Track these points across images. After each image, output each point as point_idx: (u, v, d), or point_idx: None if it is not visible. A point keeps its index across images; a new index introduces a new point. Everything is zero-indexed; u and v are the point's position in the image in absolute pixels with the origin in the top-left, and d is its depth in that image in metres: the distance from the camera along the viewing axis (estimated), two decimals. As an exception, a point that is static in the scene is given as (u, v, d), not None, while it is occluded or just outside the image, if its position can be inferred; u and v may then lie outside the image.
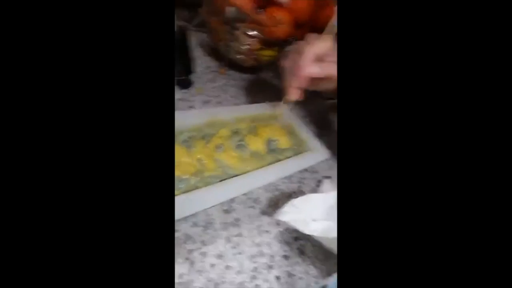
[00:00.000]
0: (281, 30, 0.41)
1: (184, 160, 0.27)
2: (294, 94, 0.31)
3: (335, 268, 0.29)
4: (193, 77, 0.43)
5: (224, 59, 0.49)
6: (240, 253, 0.26)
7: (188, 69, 0.41)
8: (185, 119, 0.30)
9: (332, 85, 0.33)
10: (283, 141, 0.35)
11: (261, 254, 0.27)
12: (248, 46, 0.44)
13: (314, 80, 0.30)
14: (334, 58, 0.30)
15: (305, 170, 0.39)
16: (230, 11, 0.40)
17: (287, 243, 0.29)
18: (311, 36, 0.31)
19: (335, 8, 0.41)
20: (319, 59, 0.30)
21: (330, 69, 0.29)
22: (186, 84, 0.42)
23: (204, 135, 0.31)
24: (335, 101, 0.62)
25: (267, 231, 0.29)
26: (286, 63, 0.32)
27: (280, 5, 0.41)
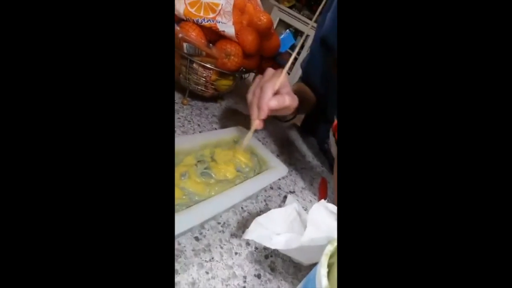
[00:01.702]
0: (233, 61, 0.45)
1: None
2: (258, 124, 0.37)
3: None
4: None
5: (185, 90, 0.51)
6: (213, 278, 0.27)
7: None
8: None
9: (288, 112, 0.41)
10: (245, 163, 0.37)
11: (234, 276, 0.28)
12: (205, 78, 0.47)
13: (273, 110, 0.37)
14: (288, 89, 0.38)
15: (270, 188, 0.41)
16: (186, 47, 0.43)
17: (258, 262, 0.30)
18: (269, 72, 0.38)
19: (280, 38, 0.46)
20: (277, 92, 0.37)
21: (286, 100, 0.37)
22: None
23: (168, 166, 0.32)
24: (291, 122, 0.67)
25: (237, 253, 0.30)
26: (250, 97, 0.38)
27: (228, 39, 0.45)
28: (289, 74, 0.41)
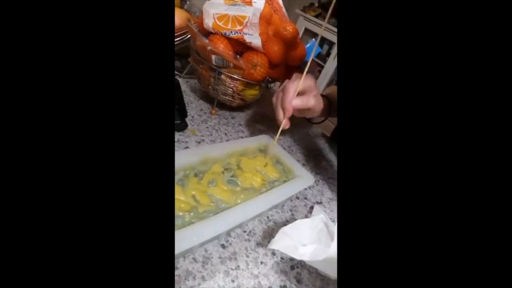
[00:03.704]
0: (259, 72, 0.46)
1: (179, 198, 0.29)
2: (285, 124, 0.38)
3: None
4: (187, 120, 0.47)
5: (214, 101, 0.53)
6: (239, 286, 0.27)
7: (182, 113, 0.44)
8: (180, 159, 0.32)
9: (314, 114, 0.41)
10: (271, 172, 0.37)
11: (259, 286, 0.28)
12: (232, 89, 0.48)
13: (298, 110, 0.38)
14: (314, 92, 0.39)
15: (296, 198, 0.41)
16: (214, 59, 0.45)
17: (284, 272, 0.30)
18: (294, 76, 0.39)
19: (305, 47, 0.46)
20: (301, 93, 0.38)
21: (310, 101, 0.37)
22: (181, 127, 0.45)
23: (197, 172, 0.33)
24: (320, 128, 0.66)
25: (263, 263, 0.30)
26: (274, 100, 0.40)
27: (255, 50, 0.46)
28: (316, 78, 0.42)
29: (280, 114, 0.38)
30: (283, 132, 0.57)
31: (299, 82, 0.37)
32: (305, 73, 0.37)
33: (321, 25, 2.16)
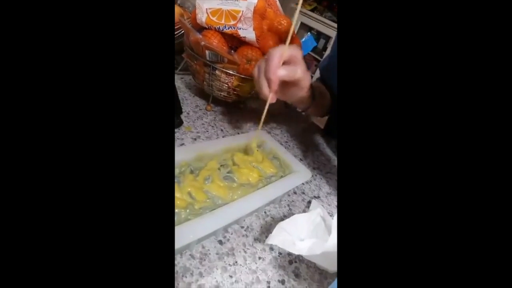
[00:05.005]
0: (254, 67, 0.45)
1: (175, 196, 0.29)
2: (271, 98, 0.34)
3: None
4: (183, 116, 0.46)
5: (209, 97, 0.52)
6: (237, 282, 0.27)
7: (177, 109, 0.44)
8: (176, 156, 0.32)
9: (302, 92, 0.37)
10: (267, 167, 0.37)
11: (258, 281, 0.28)
12: (228, 84, 0.47)
13: (285, 86, 0.34)
14: (301, 63, 0.34)
15: (294, 192, 0.41)
16: (208, 54, 0.44)
17: (282, 267, 0.30)
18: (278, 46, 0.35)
19: (301, 41, 0.45)
20: (286, 63, 0.33)
21: (298, 71, 0.33)
22: (176, 124, 0.45)
23: (193, 169, 0.33)
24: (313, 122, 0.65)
25: (261, 258, 0.30)
26: (256, 72, 0.35)
27: (249, 45, 0.45)
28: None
29: (264, 86, 0.33)
30: (280, 127, 0.57)
31: (283, 49, 0.32)
32: (288, 40, 0.33)
33: (317, 19, 2.14)
